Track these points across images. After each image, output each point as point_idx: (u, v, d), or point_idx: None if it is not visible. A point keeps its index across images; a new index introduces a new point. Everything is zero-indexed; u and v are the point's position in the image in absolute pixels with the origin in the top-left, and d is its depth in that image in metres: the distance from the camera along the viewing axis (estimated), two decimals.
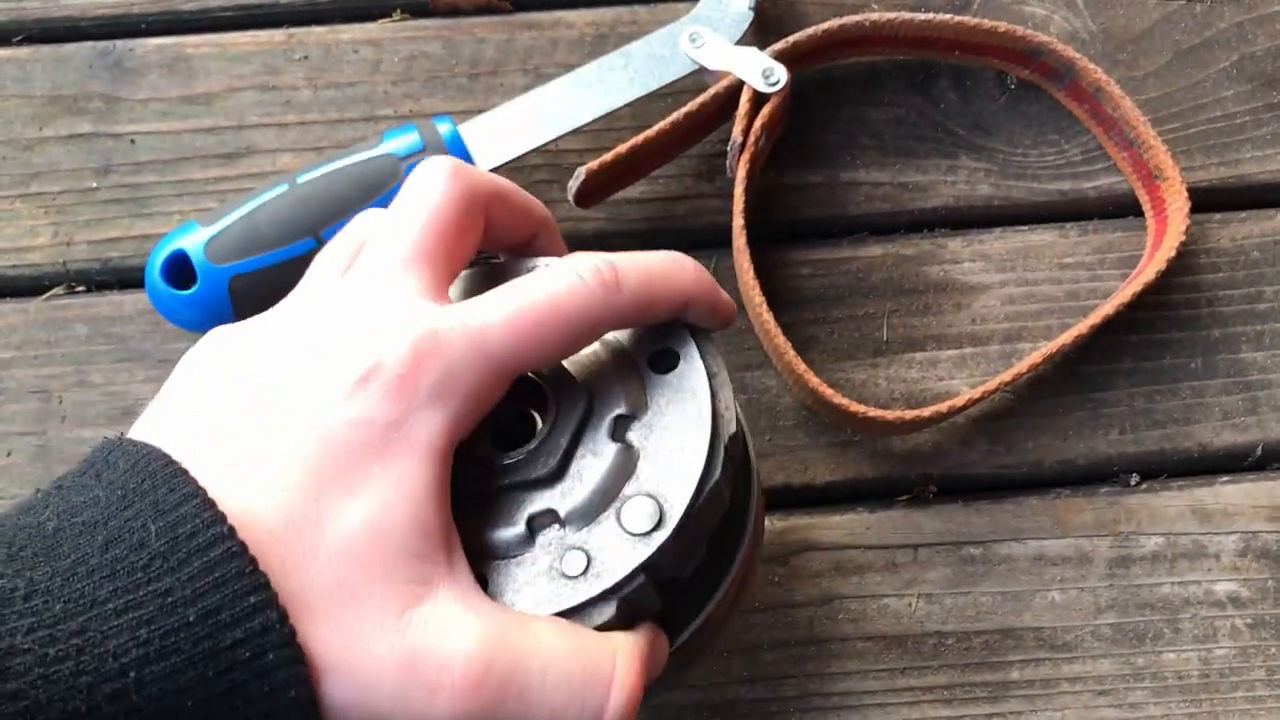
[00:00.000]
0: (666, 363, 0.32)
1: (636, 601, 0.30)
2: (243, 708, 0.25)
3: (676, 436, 0.31)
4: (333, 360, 0.28)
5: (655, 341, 0.33)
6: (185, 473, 0.26)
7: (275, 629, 0.25)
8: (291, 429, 0.28)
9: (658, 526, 0.30)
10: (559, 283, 0.29)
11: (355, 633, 0.27)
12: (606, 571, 0.29)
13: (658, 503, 0.30)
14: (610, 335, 0.33)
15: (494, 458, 0.31)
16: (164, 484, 0.26)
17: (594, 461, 0.31)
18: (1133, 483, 0.47)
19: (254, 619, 0.25)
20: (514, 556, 0.30)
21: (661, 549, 0.30)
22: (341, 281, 0.31)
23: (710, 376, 0.32)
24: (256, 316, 0.31)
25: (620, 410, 0.31)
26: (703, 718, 0.44)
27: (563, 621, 0.29)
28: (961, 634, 0.45)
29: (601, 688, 0.28)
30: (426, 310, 0.29)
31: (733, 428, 0.32)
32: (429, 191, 0.31)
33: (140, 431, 0.29)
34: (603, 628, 0.30)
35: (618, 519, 0.30)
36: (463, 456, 0.30)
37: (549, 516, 0.30)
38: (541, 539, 0.30)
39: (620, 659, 0.29)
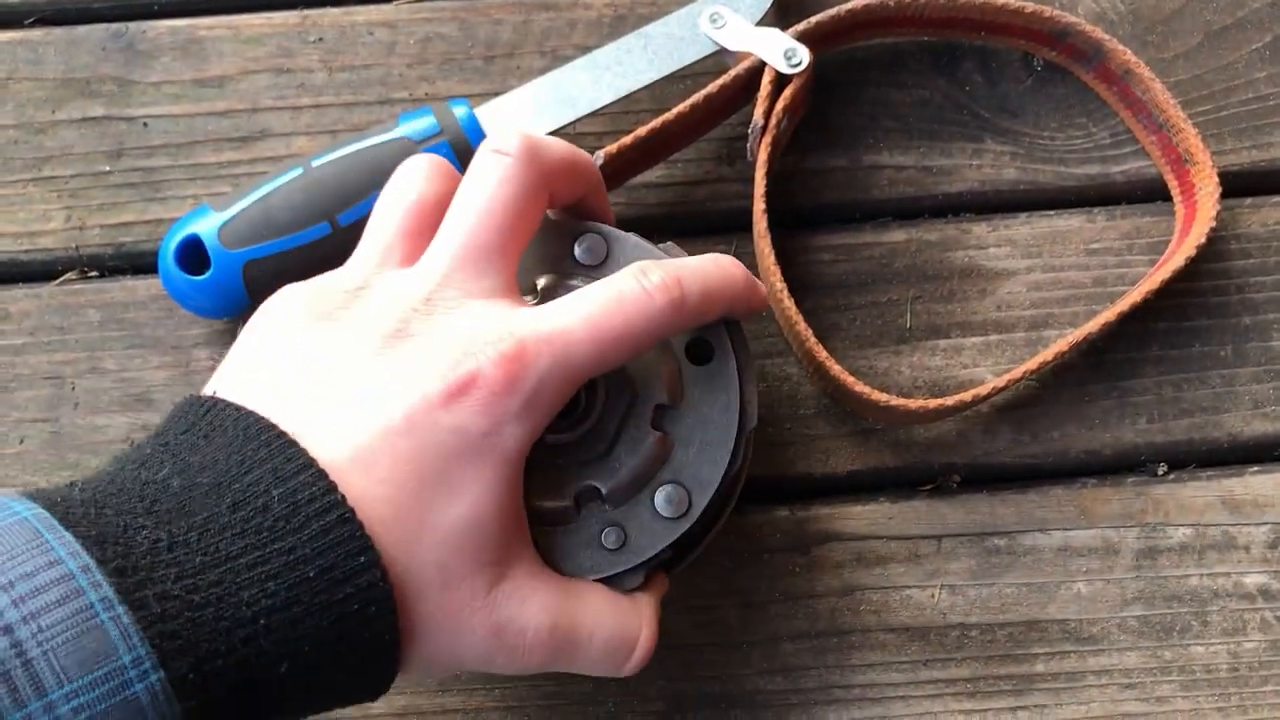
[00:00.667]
0: (702, 354, 0.36)
1: (658, 566, 0.37)
2: (345, 651, 0.30)
3: (708, 429, 0.36)
4: (431, 361, 0.32)
5: (693, 331, 0.36)
6: (296, 444, 0.30)
7: (379, 586, 0.30)
8: (396, 424, 0.31)
9: (685, 513, 0.35)
10: (634, 301, 0.33)
11: (451, 610, 0.32)
12: (639, 549, 0.35)
13: (687, 491, 0.35)
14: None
15: (546, 435, 0.35)
16: (279, 453, 0.30)
17: (635, 447, 0.35)
18: (1160, 473, 0.46)
19: (362, 576, 0.29)
20: (561, 526, 0.35)
21: (687, 531, 0.35)
22: (422, 267, 0.34)
23: (740, 370, 0.36)
24: (330, 275, 0.35)
25: (661, 400, 0.36)
26: (722, 709, 0.44)
27: (606, 590, 0.35)
28: (985, 626, 0.44)
29: (629, 646, 0.35)
30: (513, 319, 0.32)
31: (754, 421, 0.36)
32: (505, 179, 0.34)
33: (232, 391, 0.32)
34: (630, 590, 0.36)
35: (652, 502, 0.35)
36: None
37: (593, 493, 0.35)
38: (585, 512, 0.35)
39: (645, 623, 0.36)
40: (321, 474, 0.30)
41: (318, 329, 0.33)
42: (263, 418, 0.31)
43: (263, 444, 0.30)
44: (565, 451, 0.35)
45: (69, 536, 0.27)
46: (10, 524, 0.27)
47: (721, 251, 0.44)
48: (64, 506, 0.28)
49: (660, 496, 0.35)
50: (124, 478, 0.30)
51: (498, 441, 0.32)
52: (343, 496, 0.30)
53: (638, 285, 0.33)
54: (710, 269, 0.35)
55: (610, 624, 0.35)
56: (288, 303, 0.34)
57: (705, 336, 0.36)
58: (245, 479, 0.30)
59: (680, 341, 0.36)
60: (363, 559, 0.29)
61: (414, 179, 0.36)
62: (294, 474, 0.30)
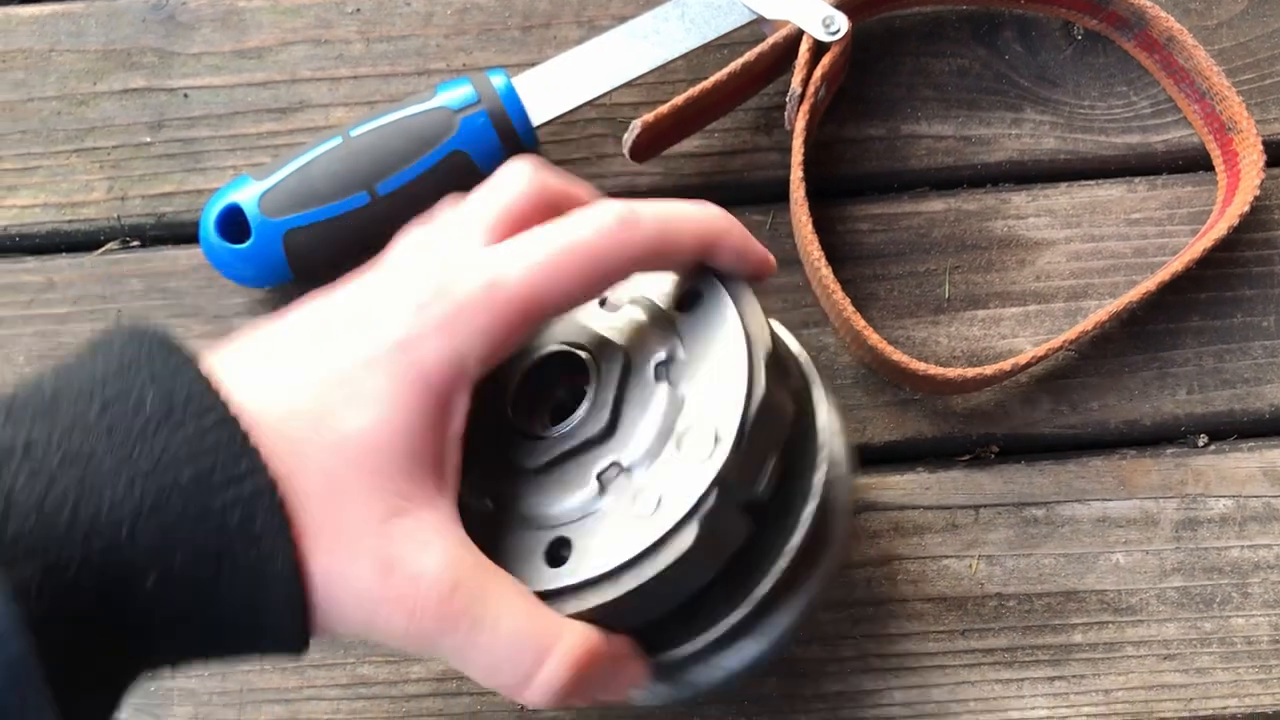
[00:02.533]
0: (692, 302, 0.33)
1: (717, 524, 0.31)
2: (229, 573, 0.26)
3: (715, 364, 0.32)
4: (372, 297, 0.30)
5: (683, 287, 0.34)
6: (180, 348, 0.28)
7: (266, 495, 0.26)
8: (309, 346, 0.29)
9: (716, 446, 0.31)
10: (576, 223, 0.30)
11: (339, 528, 0.27)
12: (679, 499, 0.30)
13: (712, 427, 0.31)
14: (646, 298, 0.34)
15: (551, 432, 0.33)
16: (160, 356, 0.27)
17: (643, 407, 0.32)
18: (1201, 444, 0.45)
19: (244, 484, 0.26)
20: (591, 514, 0.32)
21: (726, 464, 0.30)
22: (410, 247, 0.32)
23: (736, 301, 0.33)
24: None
25: (659, 357, 0.33)
26: (757, 677, 0.44)
27: (526, 590, 0.30)
28: (1023, 596, 0.44)
29: (537, 657, 0.29)
30: (461, 257, 0.30)
31: (768, 343, 0.32)
32: (506, 185, 0.32)
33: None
34: (690, 556, 0.30)
35: (678, 450, 0.31)
36: (524, 435, 0.33)
37: (614, 469, 0.32)
38: (612, 490, 0.32)
39: (565, 643, 0.30)
40: (204, 377, 0.27)
41: (299, 309, 0.32)
42: (154, 328, 0.28)
43: (145, 348, 0.28)
44: (571, 437, 0.33)
45: None
46: None
47: (759, 222, 0.44)
48: None
49: (685, 444, 0.31)
50: (7, 394, 0.27)
51: (414, 355, 0.29)
52: (224, 400, 0.27)
53: (585, 211, 0.31)
54: (676, 201, 0.33)
55: (522, 616, 0.29)
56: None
57: (697, 287, 0.34)
58: (120, 382, 0.27)
59: (674, 301, 0.34)
60: (244, 464, 0.26)
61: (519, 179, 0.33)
62: (172, 374, 0.27)
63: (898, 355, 0.43)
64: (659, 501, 0.31)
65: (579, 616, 0.31)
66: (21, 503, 0.24)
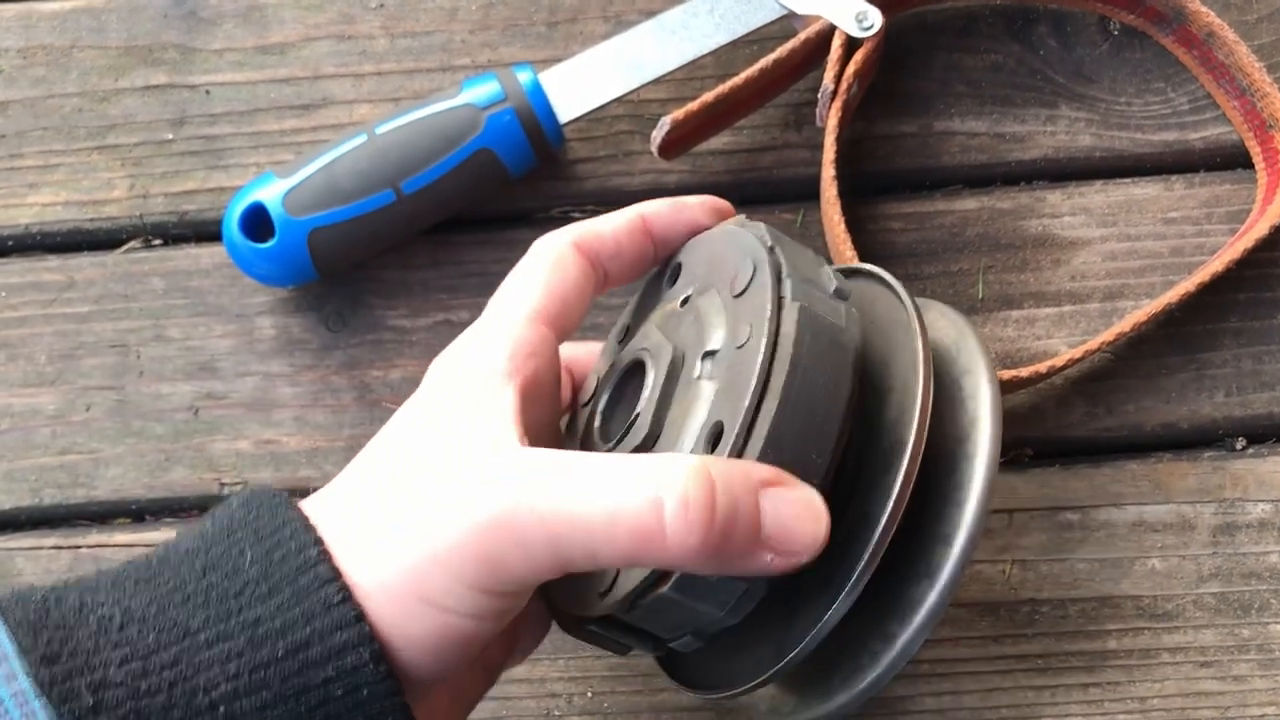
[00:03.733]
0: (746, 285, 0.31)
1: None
2: None
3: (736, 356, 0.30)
4: (434, 475, 0.28)
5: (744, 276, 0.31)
6: (290, 501, 0.27)
7: (367, 669, 0.25)
8: (410, 525, 0.27)
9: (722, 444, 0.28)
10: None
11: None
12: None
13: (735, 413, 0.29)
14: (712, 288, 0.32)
15: (604, 447, 0.32)
16: (268, 512, 0.27)
17: (686, 407, 0.30)
18: (1239, 447, 0.45)
19: (345, 658, 0.25)
20: None
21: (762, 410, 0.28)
22: (448, 390, 0.30)
23: (778, 273, 0.30)
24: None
25: (711, 347, 0.31)
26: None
27: (607, 456, 0.28)
28: (1057, 602, 0.43)
29: (653, 493, 0.26)
30: (506, 469, 0.28)
31: (788, 293, 0.29)
32: (519, 286, 0.32)
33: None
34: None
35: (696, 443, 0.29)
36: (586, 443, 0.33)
37: (717, 431, 0.29)
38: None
39: (677, 468, 0.27)
40: (304, 527, 0.26)
41: (375, 456, 0.31)
42: (273, 489, 0.28)
43: (254, 506, 0.27)
44: (620, 448, 0.32)
45: None
46: None
47: (788, 220, 0.43)
48: (21, 595, 0.26)
49: (700, 437, 0.29)
50: (127, 564, 0.27)
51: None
52: (325, 552, 0.26)
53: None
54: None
55: (610, 471, 0.27)
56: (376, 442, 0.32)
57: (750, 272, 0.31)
58: (226, 541, 0.27)
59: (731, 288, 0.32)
60: (342, 635, 0.25)
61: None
62: (274, 530, 0.26)
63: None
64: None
65: None
66: (114, 692, 0.24)
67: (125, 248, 0.47)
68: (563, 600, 0.33)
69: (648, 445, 0.31)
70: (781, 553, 0.27)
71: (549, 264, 0.32)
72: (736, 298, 0.31)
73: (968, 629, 0.43)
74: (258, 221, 0.44)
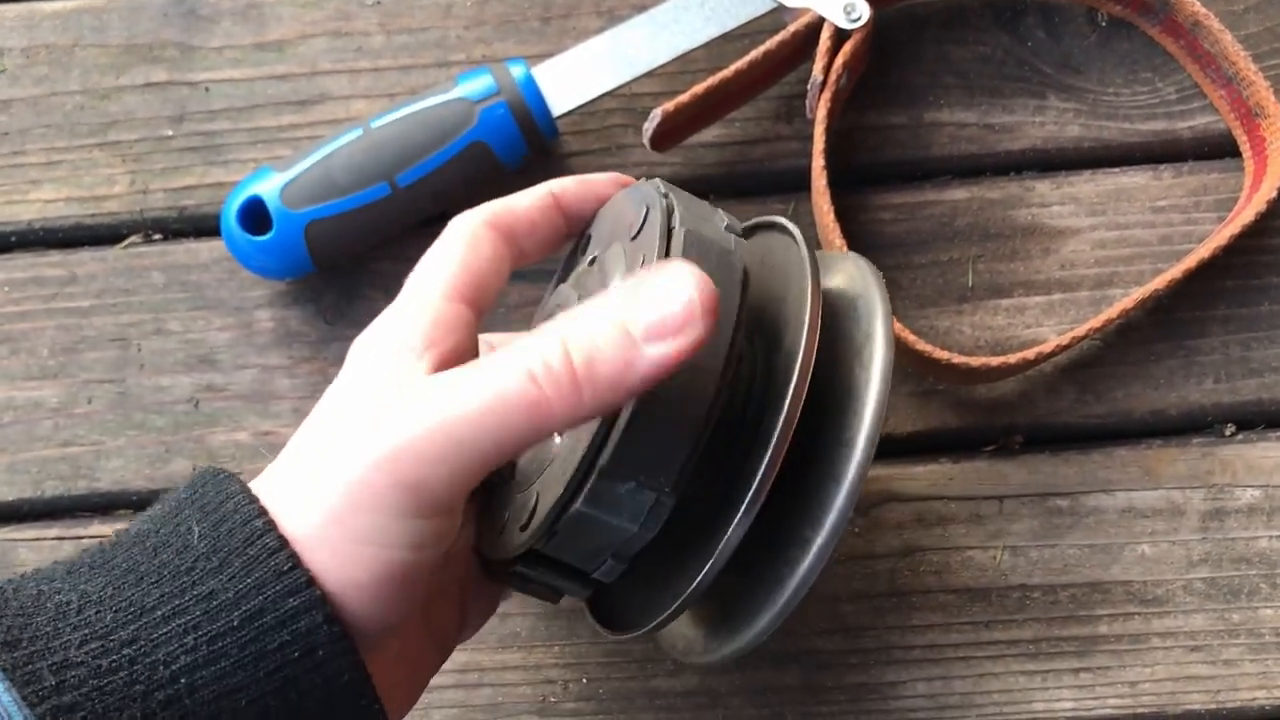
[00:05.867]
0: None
1: None
2: (297, 699, 0.26)
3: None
4: (348, 424, 0.29)
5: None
6: (233, 477, 0.27)
7: (321, 630, 0.26)
8: (328, 470, 0.28)
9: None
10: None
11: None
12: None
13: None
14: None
15: None
16: (212, 488, 0.27)
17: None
18: (1228, 433, 0.45)
19: (299, 621, 0.26)
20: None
21: None
22: (367, 367, 0.31)
23: (669, 211, 0.32)
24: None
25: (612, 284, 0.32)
26: (781, 667, 0.44)
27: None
28: (1048, 587, 0.44)
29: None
30: (403, 397, 0.29)
31: (677, 223, 0.31)
32: (435, 265, 0.33)
33: None
34: None
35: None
36: None
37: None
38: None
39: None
40: (250, 498, 0.27)
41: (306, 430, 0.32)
42: (217, 468, 0.29)
43: (200, 485, 0.28)
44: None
45: None
46: None
47: (780, 212, 0.44)
48: None
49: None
50: (83, 553, 0.28)
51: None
52: (270, 522, 0.27)
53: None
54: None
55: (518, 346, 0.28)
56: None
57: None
58: (174, 519, 0.27)
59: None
60: (294, 601, 0.26)
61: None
62: (218, 504, 0.27)
63: (921, 345, 0.42)
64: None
65: None
66: (76, 672, 0.25)
67: (126, 243, 0.48)
68: (489, 548, 0.34)
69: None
70: (662, 334, 0.27)
71: (464, 243, 0.33)
72: (633, 240, 0.32)
73: (959, 615, 0.44)
74: (255, 215, 0.44)
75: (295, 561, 0.27)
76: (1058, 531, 0.44)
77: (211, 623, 0.26)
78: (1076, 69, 0.48)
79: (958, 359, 0.42)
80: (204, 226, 0.48)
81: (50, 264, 0.48)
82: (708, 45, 0.46)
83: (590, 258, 0.35)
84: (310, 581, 0.27)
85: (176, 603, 0.26)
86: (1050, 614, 0.44)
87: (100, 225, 0.48)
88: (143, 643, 0.25)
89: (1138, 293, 0.44)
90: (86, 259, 0.48)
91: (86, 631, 0.25)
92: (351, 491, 0.27)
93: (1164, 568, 0.44)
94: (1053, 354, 0.43)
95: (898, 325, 0.43)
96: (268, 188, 0.44)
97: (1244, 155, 0.47)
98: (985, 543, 0.44)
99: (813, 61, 0.44)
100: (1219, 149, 0.47)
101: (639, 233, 0.32)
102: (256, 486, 0.29)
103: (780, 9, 0.46)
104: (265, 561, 0.26)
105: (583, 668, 0.44)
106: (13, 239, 0.48)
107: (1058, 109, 0.47)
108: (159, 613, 0.26)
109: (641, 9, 0.46)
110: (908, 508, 0.45)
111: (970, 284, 0.46)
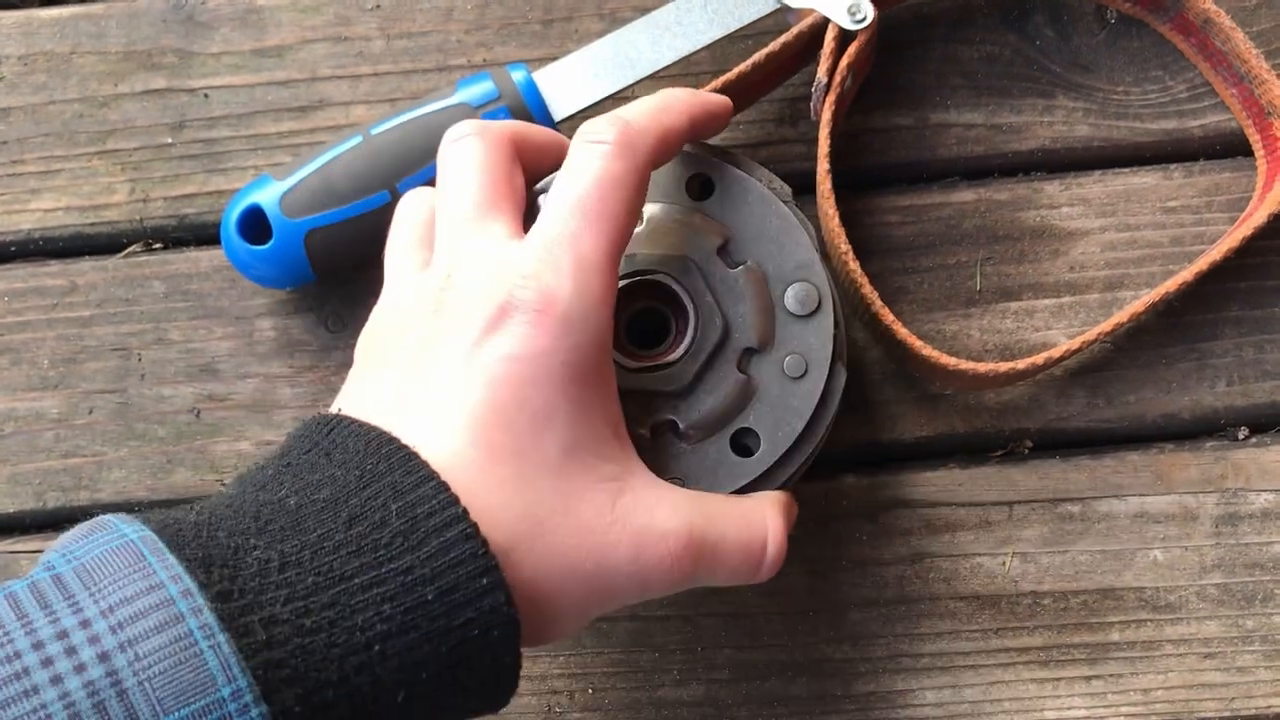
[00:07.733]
0: (705, 188, 0.37)
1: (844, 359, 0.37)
2: (464, 676, 0.28)
3: (769, 231, 0.37)
4: (464, 311, 0.31)
5: (684, 178, 0.37)
6: (417, 456, 0.29)
7: (502, 610, 0.28)
8: (457, 377, 0.31)
9: (821, 300, 0.36)
10: (592, 165, 0.32)
11: (585, 532, 0.31)
12: (818, 350, 0.36)
13: (805, 284, 0.36)
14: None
15: (629, 356, 0.36)
16: (400, 466, 0.29)
17: (718, 386, 0.36)
18: (1241, 437, 0.44)
19: (484, 600, 0.28)
20: (753, 397, 0.36)
21: (835, 308, 0.37)
22: (434, 252, 0.34)
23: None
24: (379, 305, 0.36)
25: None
26: (788, 677, 0.43)
27: (720, 495, 0.35)
28: (1059, 594, 0.43)
29: (761, 545, 0.34)
30: (521, 250, 0.32)
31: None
32: (465, 151, 0.34)
33: (356, 404, 0.32)
34: (844, 392, 0.37)
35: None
36: (652, 365, 0.36)
37: (747, 354, 0.36)
38: (754, 369, 0.36)
39: (770, 517, 0.35)
40: (442, 486, 0.29)
41: (385, 342, 0.34)
42: (382, 430, 0.30)
43: (382, 456, 0.29)
44: (648, 379, 0.36)
45: (172, 559, 0.26)
46: (115, 546, 0.26)
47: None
48: (174, 529, 0.27)
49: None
50: (242, 500, 0.29)
51: (563, 355, 0.31)
52: (464, 510, 0.28)
53: (588, 149, 0.33)
54: (650, 103, 0.36)
55: (738, 523, 0.34)
56: (362, 337, 0.36)
57: (699, 171, 0.37)
58: (363, 494, 0.28)
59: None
60: (485, 580, 0.28)
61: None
62: (413, 487, 0.29)
63: (928, 350, 0.42)
64: (803, 361, 0.36)
65: (784, 482, 0.36)
66: (282, 629, 0.26)
67: (126, 252, 0.48)
68: None
69: (727, 335, 0.36)
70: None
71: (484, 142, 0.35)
72: (702, 199, 0.37)
73: (968, 622, 0.43)
74: (255, 224, 0.44)
75: (486, 547, 0.28)
76: (1068, 537, 0.44)
77: (407, 595, 0.27)
78: (1085, 68, 0.47)
79: (966, 365, 0.42)
80: (205, 235, 0.48)
81: (50, 274, 0.47)
82: (711, 47, 0.45)
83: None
84: (498, 566, 0.28)
85: (374, 573, 0.27)
86: (1061, 621, 0.43)
87: (100, 234, 0.48)
88: (341, 607, 0.26)
89: (1149, 295, 0.43)
90: (86, 268, 0.48)
91: (288, 591, 0.26)
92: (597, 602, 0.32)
93: (1177, 573, 0.43)
94: (1062, 358, 0.42)
95: (904, 332, 0.42)
96: (267, 196, 0.43)
97: (1256, 155, 0.46)
98: (995, 549, 0.44)
99: (817, 63, 0.44)
100: (1231, 148, 0.46)
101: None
102: (434, 461, 0.30)
103: (784, 10, 0.45)
104: (462, 545, 0.28)
105: (588, 678, 0.44)
106: (12, 249, 0.48)
107: (1066, 109, 0.47)
108: (357, 580, 0.27)
109: (643, 11, 0.46)
110: (916, 514, 0.44)
111: (978, 287, 0.46)
